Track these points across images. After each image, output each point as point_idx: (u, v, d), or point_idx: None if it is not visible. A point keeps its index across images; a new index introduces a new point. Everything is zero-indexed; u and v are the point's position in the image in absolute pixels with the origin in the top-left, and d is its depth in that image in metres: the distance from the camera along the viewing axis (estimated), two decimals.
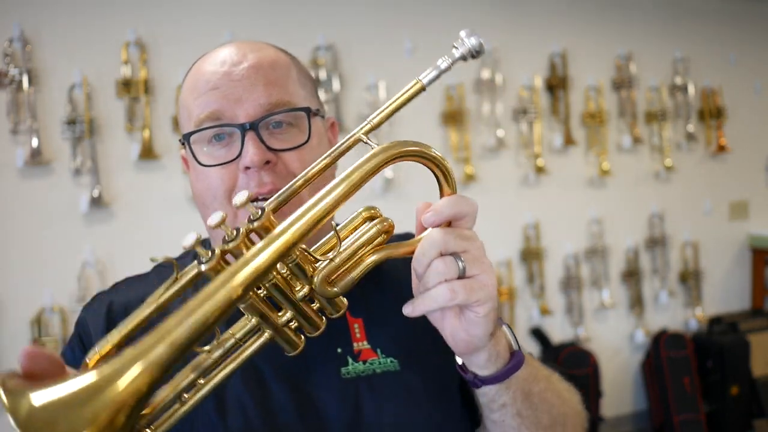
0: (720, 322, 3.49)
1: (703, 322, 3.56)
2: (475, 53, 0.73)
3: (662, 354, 3.31)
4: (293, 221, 0.63)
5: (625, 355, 3.48)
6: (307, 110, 0.85)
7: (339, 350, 0.86)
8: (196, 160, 0.84)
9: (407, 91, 0.74)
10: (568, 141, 3.24)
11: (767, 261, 3.75)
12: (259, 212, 0.65)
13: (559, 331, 3.30)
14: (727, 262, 3.74)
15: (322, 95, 2.75)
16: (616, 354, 3.45)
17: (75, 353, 0.89)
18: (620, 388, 3.46)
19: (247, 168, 0.81)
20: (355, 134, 0.73)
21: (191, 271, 0.65)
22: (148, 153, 2.56)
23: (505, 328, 0.80)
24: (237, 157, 0.82)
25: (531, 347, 3.22)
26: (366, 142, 0.73)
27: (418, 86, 0.74)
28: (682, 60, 3.52)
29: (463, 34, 0.73)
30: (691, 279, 3.58)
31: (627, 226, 3.45)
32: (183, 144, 0.88)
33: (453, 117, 3.00)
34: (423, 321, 0.74)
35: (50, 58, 2.47)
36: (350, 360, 0.85)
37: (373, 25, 2.94)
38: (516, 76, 3.16)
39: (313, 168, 0.72)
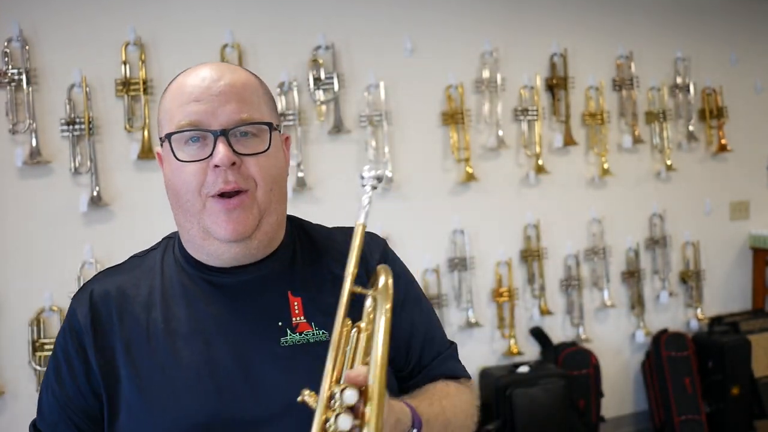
0: (721, 323, 3.49)
1: (703, 322, 3.56)
2: (379, 180, 0.91)
3: (663, 354, 3.30)
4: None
5: (625, 355, 3.47)
6: (270, 125, 1.02)
7: (280, 323, 1.04)
8: (174, 156, 1.00)
9: (358, 236, 0.89)
10: (569, 141, 3.23)
11: None
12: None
13: (559, 331, 3.30)
14: (728, 262, 3.73)
15: (322, 95, 2.78)
16: (617, 354, 3.44)
17: (70, 355, 1.03)
18: (621, 388, 3.46)
19: (216, 166, 0.97)
20: (348, 289, 0.87)
21: None
22: (147, 153, 2.55)
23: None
24: (208, 157, 0.98)
25: (531, 347, 3.23)
26: (361, 293, 0.88)
27: (361, 228, 0.89)
28: (682, 60, 3.51)
29: (364, 171, 0.91)
30: (691, 279, 3.57)
31: (627, 226, 3.44)
32: (162, 142, 1.03)
33: (453, 117, 3.00)
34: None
35: (49, 58, 2.46)
36: (289, 331, 1.04)
37: (373, 25, 2.93)
38: (516, 76, 3.15)
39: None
